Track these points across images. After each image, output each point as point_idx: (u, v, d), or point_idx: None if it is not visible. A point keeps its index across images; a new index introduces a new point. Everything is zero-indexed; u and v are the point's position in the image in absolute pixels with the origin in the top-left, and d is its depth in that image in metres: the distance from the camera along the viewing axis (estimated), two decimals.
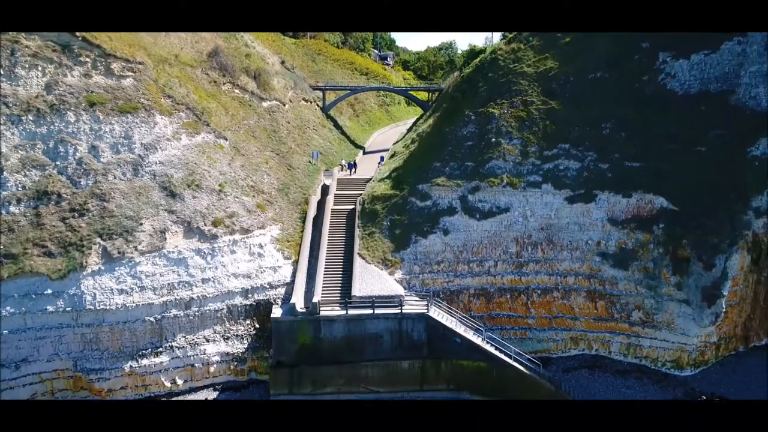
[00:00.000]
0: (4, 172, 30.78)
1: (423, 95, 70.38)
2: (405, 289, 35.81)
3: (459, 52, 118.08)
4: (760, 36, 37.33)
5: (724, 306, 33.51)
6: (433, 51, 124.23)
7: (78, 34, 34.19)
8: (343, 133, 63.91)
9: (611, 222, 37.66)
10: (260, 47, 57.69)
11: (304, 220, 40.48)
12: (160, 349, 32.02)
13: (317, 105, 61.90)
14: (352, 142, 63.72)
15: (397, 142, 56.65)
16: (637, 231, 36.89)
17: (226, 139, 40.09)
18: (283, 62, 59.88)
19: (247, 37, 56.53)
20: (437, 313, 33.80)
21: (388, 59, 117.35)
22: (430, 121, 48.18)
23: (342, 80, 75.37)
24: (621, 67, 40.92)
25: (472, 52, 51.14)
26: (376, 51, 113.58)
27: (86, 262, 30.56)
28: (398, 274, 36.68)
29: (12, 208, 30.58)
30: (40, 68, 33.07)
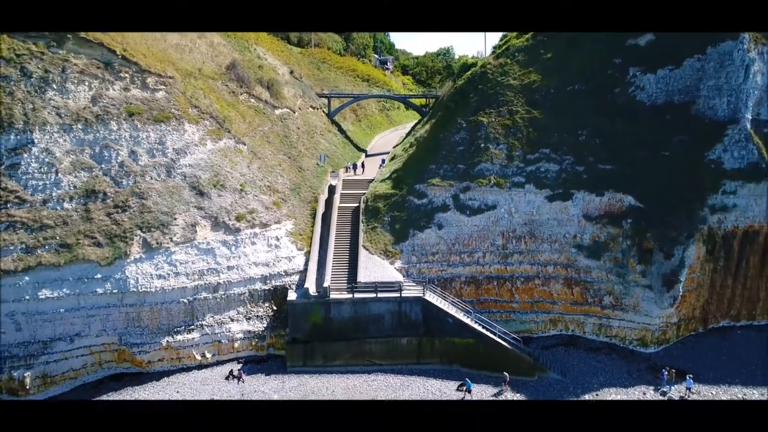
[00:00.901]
0: (59, 174, 35.60)
1: (421, 101, 75.02)
2: (404, 276, 40.54)
3: (456, 57, 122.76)
4: (716, 54, 42.04)
5: (681, 290, 38.20)
6: (431, 56, 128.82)
7: (118, 53, 39.02)
8: (346, 137, 68.77)
9: (586, 218, 42.15)
10: (271, 59, 62.58)
11: (314, 216, 45.43)
12: (192, 327, 36.88)
13: (323, 111, 66.74)
14: (355, 146, 68.55)
15: (396, 145, 61.08)
16: (609, 226, 41.39)
17: (245, 144, 44.99)
18: (291, 72, 64.71)
19: (259, 49, 61.41)
20: (432, 297, 38.53)
21: (388, 63, 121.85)
22: (427, 127, 53.03)
23: (345, 87, 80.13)
24: (596, 81, 45.18)
25: (465, 66, 55.98)
26: (376, 56, 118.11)
27: (129, 251, 35.41)
28: (398, 264, 41.49)
29: (65, 205, 35.39)
30: (86, 83, 37.81)
